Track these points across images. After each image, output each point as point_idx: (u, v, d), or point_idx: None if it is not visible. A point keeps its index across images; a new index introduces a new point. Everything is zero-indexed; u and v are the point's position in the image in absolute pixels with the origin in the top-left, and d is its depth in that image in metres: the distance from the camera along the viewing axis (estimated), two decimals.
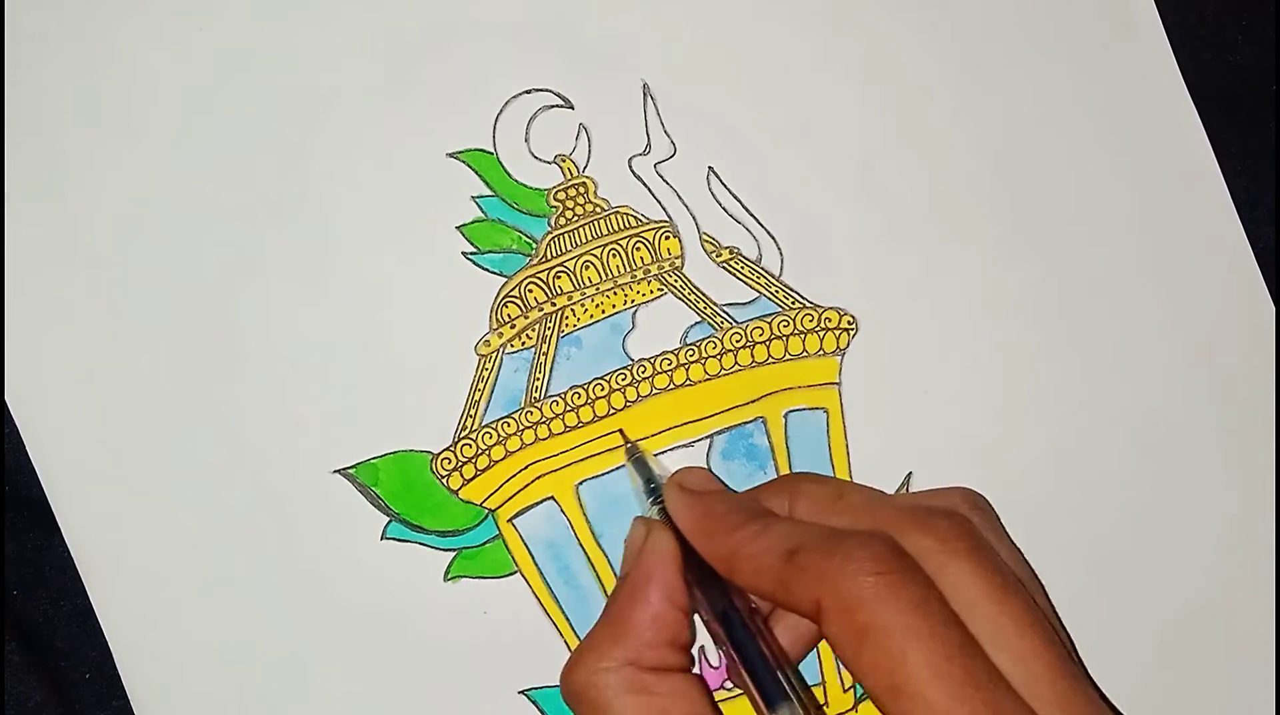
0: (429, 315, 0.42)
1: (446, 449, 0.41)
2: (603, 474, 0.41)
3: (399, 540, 0.41)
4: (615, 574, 0.41)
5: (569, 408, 0.41)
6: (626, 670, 0.34)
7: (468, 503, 0.41)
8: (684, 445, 0.42)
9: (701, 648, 0.41)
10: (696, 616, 0.36)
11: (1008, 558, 0.35)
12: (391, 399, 0.41)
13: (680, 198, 0.42)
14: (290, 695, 0.41)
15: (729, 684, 0.41)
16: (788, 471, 0.42)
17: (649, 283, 0.42)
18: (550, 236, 0.42)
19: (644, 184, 0.42)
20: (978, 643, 0.31)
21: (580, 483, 0.41)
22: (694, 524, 0.36)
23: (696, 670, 0.41)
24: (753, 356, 0.42)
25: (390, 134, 0.42)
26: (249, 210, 0.41)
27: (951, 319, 0.43)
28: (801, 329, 0.42)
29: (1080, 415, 0.43)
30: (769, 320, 0.42)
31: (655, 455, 0.41)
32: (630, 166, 0.42)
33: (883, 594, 0.31)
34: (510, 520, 0.41)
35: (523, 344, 0.42)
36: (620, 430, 0.41)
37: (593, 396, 0.41)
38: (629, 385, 0.41)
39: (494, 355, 0.42)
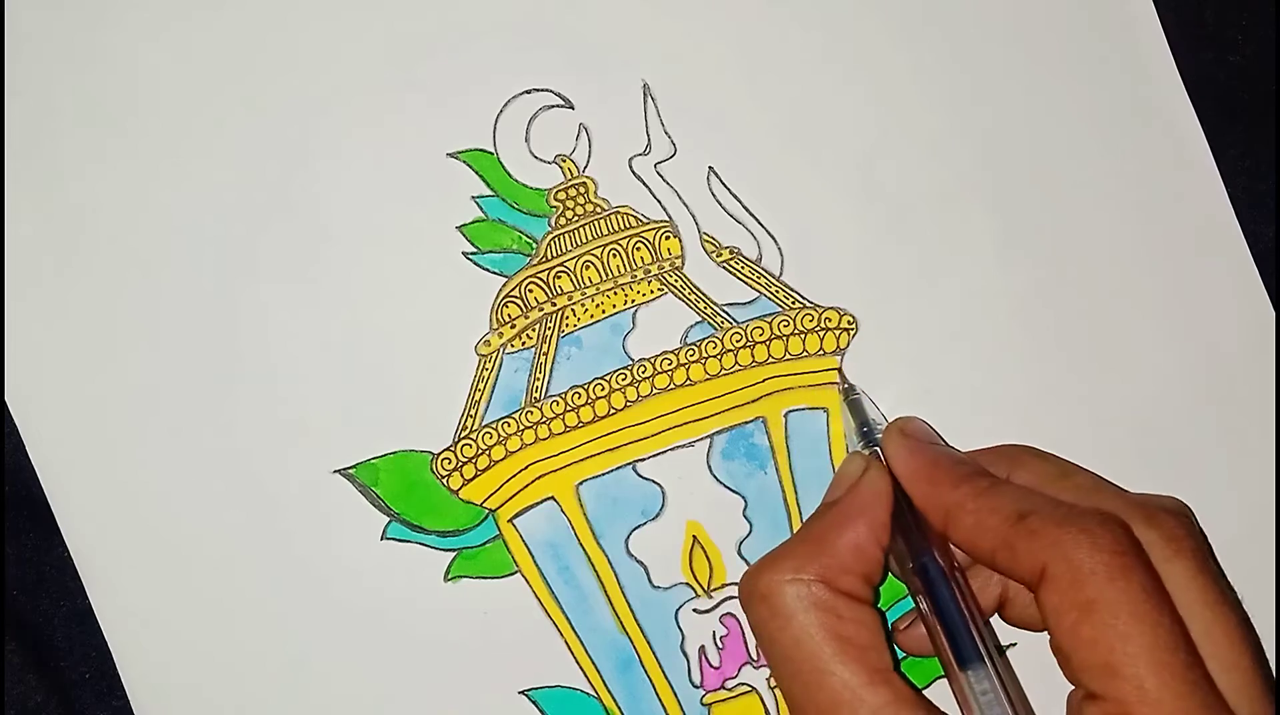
0: (429, 315, 0.42)
1: (447, 449, 0.41)
2: (603, 474, 0.41)
3: (399, 540, 0.41)
4: (615, 574, 0.41)
5: (569, 408, 0.41)
6: (818, 586, 0.34)
7: (468, 503, 0.41)
8: (684, 445, 0.42)
9: (701, 648, 0.41)
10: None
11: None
12: (391, 399, 0.41)
13: (680, 198, 0.42)
14: (290, 695, 0.41)
15: (729, 683, 0.41)
16: (788, 471, 0.42)
17: (649, 283, 0.42)
18: (550, 236, 0.42)
19: (644, 184, 0.42)
20: (1194, 643, 0.31)
21: (580, 483, 0.41)
22: (916, 471, 0.36)
23: (697, 670, 0.41)
24: (753, 356, 0.42)
25: (390, 134, 0.42)
26: (249, 210, 0.41)
27: (951, 319, 0.43)
28: (801, 329, 0.42)
29: (1080, 415, 0.43)
30: (769, 320, 0.42)
31: (655, 455, 0.41)
32: (630, 166, 0.42)
33: (1115, 573, 0.31)
34: (510, 520, 0.41)
35: (523, 344, 0.42)
36: (839, 369, 0.41)
37: (593, 396, 0.41)
38: (629, 385, 0.41)
39: (494, 355, 0.42)
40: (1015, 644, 0.41)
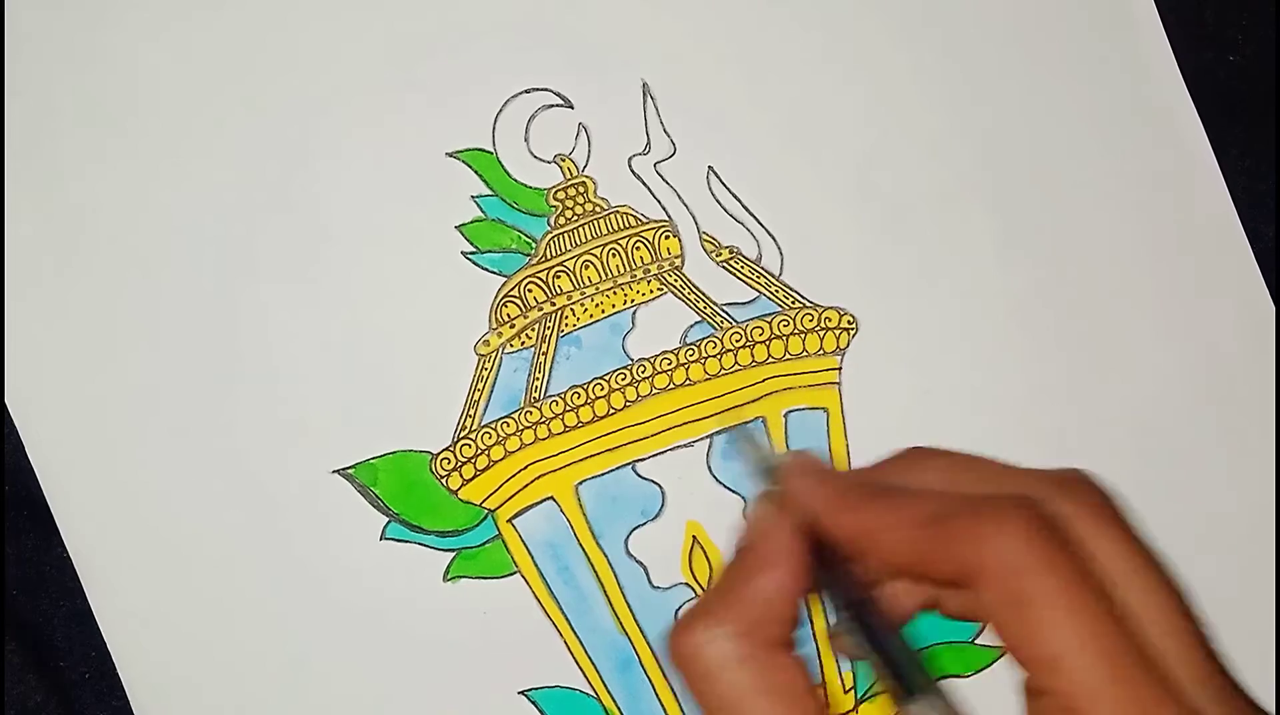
0: (429, 315, 0.42)
1: (446, 449, 0.41)
2: (602, 474, 0.41)
3: (398, 540, 0.41)
4: (615, 574, 0.41)
5: (569, 408, 0.41)
6: (739, 641, 0.34)
7: (467, 503, 0.41)
8: (684, 445, 0.42)
9: None
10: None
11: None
12: (391, 399, 0.41)
13: (680, 197, 0.42)
14: (290, 695, 0.41)
15: None
16: None
17: (649, 282, 0.42)
18: (550, 236, 0.42)
19: (644, 183, 0.42)
20: (1131, 616, 0.31)
21: (580, 483, 0.41)
22: (824, 502, 0.36)
23: None
24: (753, 356, 0.42)
25: (390, 134, 0.42)
26: (249, 210, 0.41)
27: (951, 319, 0.43)
28: (801, 328, 0.42)
29: (1080, 415, 0.43)
30: (769, 320, 0.42)
31: (655, 455, 0.41)
32: (630, 166, 0.42)
33: (1043, 564, 0.31)
34: (510, 520, 0.41)
35: (522, 344, 0.42)
36: (736, 408, 0.41)
37: (592, 396, 0.41)
38: (629, 385, 0.41)
39: (493, 355, 0.42)
40: None
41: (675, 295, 0.42)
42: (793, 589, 0.35)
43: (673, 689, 0.41)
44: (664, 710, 0.41)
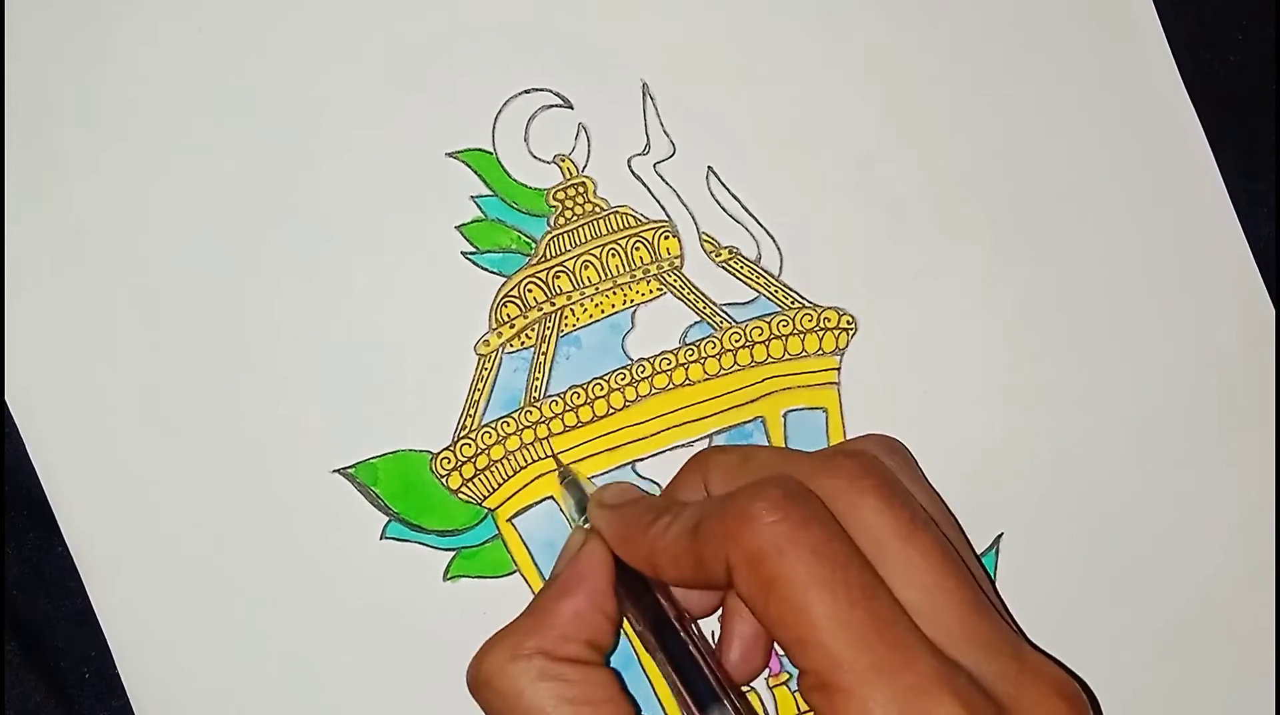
0: (429, 315, 0.42)
1: (446, 448, 0.41)
2: (602, 473, 0.41)
3: (398, 540, 0.41)
4: None
5: (568, 407, 0.41)
6: (538, 659, 0.34)
7: (467, 502, 0.41)
8: (683, 445, 0.42)
9: None
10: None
11: (921, 497, 0.34)
12: (391, 399, 0.41)
13: (679, 197, 0.42)
14: (290, 695, 0.41)
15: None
16: None
17: (648, 282, 0.42)
18: (549, 236, 0.42)
19: (643, 184, 0.42)
20: (883, 583, 0.31)
21: None
22: (615, 534, 0.36)
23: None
24: (752, 356, 0.42)
25: (390, 134, 0.42)
26: (248, 210, 0.42)
27: (951, 319, 0.43)
28: (801, 329, 0.42)
29: (1080, 415, 0.43)
30: (768, 320, 0.42)
31: (655, 454, 0.41)
32: (629, 166, 0.42)
33: (783, 542, 0.31)
34: (510, 520, 0.41)
35: (522, 344, 0.42)
36: (553, 454, 0.41)
37: (592, 396, 0.41)
38: (628, 385, 0.41)
39: (493, 355, 0.42)
40: None
41: (675, 295, 0.42)
42: (591, 611, 0.36)
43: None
44: (664, 710, 0.41)
